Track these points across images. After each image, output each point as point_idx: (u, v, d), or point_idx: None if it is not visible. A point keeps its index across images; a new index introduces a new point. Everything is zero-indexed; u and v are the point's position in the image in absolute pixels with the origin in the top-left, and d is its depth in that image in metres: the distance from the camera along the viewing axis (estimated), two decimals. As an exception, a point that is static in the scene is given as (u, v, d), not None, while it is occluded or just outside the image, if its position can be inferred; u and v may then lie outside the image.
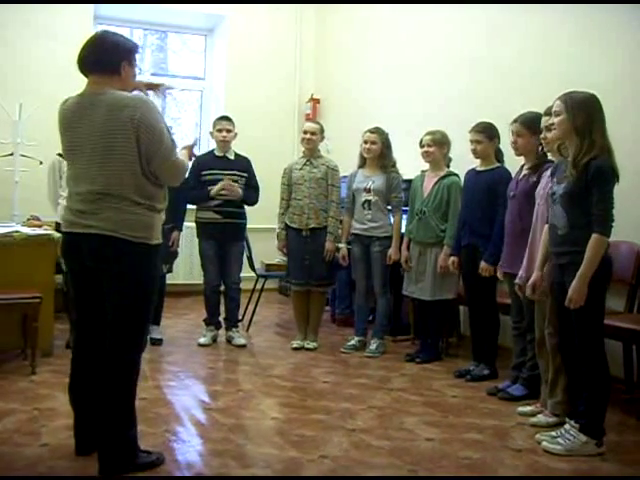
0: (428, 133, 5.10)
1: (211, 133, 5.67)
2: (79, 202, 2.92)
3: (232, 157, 5.57)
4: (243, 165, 5.56)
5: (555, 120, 3.42)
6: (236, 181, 5.46)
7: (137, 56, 3.10)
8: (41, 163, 5.43)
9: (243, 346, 5.43)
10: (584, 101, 3.36)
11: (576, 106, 3.34)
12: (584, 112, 3.32)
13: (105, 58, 2.97)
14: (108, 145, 2.84)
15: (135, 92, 3.05)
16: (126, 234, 2.85)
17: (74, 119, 2.94)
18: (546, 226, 3.61)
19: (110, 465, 2.91)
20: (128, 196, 2.86)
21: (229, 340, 5.54)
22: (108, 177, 2.85)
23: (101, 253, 2.89)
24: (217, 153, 5.58)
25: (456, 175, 5.06)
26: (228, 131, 5.52)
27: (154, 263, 3.03)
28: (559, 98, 3.43)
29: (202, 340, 5.48)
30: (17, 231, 4.90)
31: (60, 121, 3.02)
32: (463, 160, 5.00)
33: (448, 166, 5.20)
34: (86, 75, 3.02)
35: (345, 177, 5.57)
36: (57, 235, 4.94)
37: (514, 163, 4.45)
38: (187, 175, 5.33)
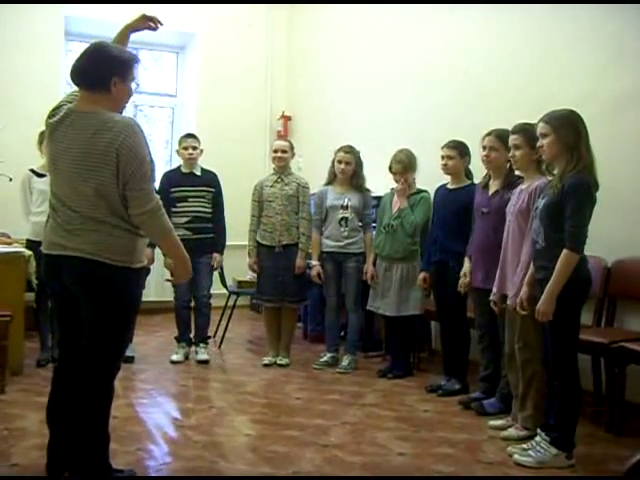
0: (396, 162, 5.04)
1: (177, 151, 5.69)
2: (60, 221, 2.83)
3: (199, 173, 5.59)
4: (210, 180, 5.59)
5: (543, 142, 3.43)
6: (203, 196, 5.49)
7: (134, 70, 2.92)
8: (11, 180, 5.38)
9: (206, 362, 5.41)
10: (569, 118, 3.40)
11: (563, 125, 3.38)
12: (571, 128, 3.36)
13: (93, 72, 2.82)
14: (88, 167, 2.73)
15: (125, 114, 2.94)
16: (107, 258, 2.76)
17: (58, 134, 2.83)
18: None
19: None
20: (105, 219, 2.76)
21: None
22: (86, 199, 2.75)
23: (81, 276, 2.80)
24: (184, 170, 5.60)
25: (426, 192, 5.10)
26: (194, 148, 5.55)
27: (136, 287, 2.94)
28: (542, 120, 3.46)
29: (174, 357, 5.46)
30: (-14, 248, 4.85)
31: (46, 132, 2.92)
32: (432, 177, 5.04)
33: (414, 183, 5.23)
34: (78, 88, 2.88)
35: (313, 194, 5.60)
36: (28, 253, 4.91)
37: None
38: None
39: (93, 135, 2.73)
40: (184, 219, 5.44)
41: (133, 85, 2.95)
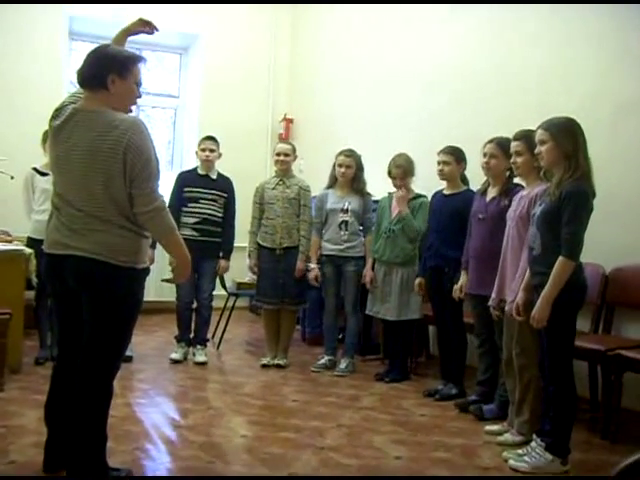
0: (395, 166, 5.07)
1: (196, 152, 5.71)
2: (65, 220, 2.84)
3: (214, 177, 5.60)
4: (224, 185, 5.60)
5: (542, 149, 3.45)
6: (215, 200, 5.50)
7: (136, 69, 2.93)
8: (12, 178, 5.40)
9: (203, 363, 5.42)
10: (567, 126, 3.43)
11: (561, 132, 3.40)
12: (570, 137, 3.39)
13: (90, 72, 2.86)
14: (91, 167, 2.74)
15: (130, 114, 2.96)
16: (111, 258, 2.77)
17: (63, 134, 2.84)
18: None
19: None
20: (111, 219, 2.78)
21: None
22: (91, 199, 2.77)
23: (85, 275, 2.80)
24: (200, 171, 5.62)
25: (424, 197, 5.12)
26: (211, 151, 5.56)
27: (139, 288, 2.95)
28: (541, 127, 3.48)
29: (174, 355, 5.47)
30: (-13, 246, 4.87)
31: (50, 133, 2.94)
32: (430, 182, 5.06)
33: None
34: (82, 88, 2.92)
35: (314, 197, 5.62)
36: (28, 251, 4.92)
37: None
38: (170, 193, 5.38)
39: (100, 133, 2.74)
40: (192, 220, 5.45)
41: (135, 84, 2.95)
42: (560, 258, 3.31)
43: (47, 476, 3.04)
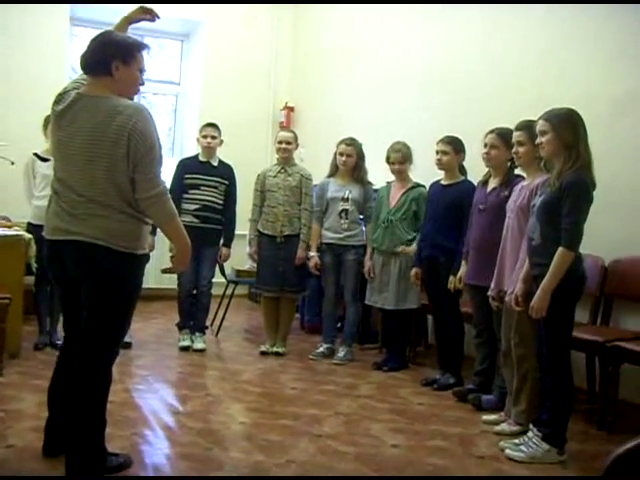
0: (394, 150, 5.12)
1: (197, 139, 5.69)
2: (65, 206, 2.84)
3: (215, 163, 5.59)
4: (225, 172, 5.59)
5: (542, 139, 3.46)
6: (216, 187, 5.49)
7: (140, 56, 2.95)
8: (12, 163, 5.39)
9: (202, 350, 5.43)
10: (568, 116, 3.43)
11: (562, 123, 3.40)
12: (570, 127, 3.39)
13: (94, 58, 2.87)
14: (95, 152, 2.75)
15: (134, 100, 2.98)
16: (112, 243, 2.78)
17: (66, 119, 2.84)
18: None
19: (77, 468, 2.86)
20: (112, 204, 2.78)
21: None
22: (93, 184, 2.77)
23: (85, 261, 2.82)
24: (201, 158, 5.61)
25: (423, 186, 5.12)
26: (213, 137, 5.55)
27: (139, 273, 2.96)
28: (542, 117, 3.49)
29: (182, 343, 5.47)
30: (-14, 231, 4.87)
31: (52, 118, 2.95)
32: (428, 172, 5.06)
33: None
34: (86, 74, 2.94)
35: (315, 186, 5.62)
36: (28, 236, 4.93)
37: (478, 178, 4.52)
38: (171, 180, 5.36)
39: (104, 119, 2.75)
40: (193, 206, 5.45)
41: (139, 70, 2.96)
42: (560, 249, 3.32)
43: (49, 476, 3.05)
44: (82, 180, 2.79)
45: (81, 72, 2.98)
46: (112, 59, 2.84)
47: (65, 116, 2.85)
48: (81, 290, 2.88)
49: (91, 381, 2.88)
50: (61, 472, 2.89)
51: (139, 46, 2.97)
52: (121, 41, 2.93)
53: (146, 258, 3.03)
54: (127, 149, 2.74)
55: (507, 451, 3.50)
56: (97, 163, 2.75)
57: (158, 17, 3.45)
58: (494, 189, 4.25)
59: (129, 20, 3.39)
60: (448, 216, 4.63)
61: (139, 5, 3.42)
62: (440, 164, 4.74)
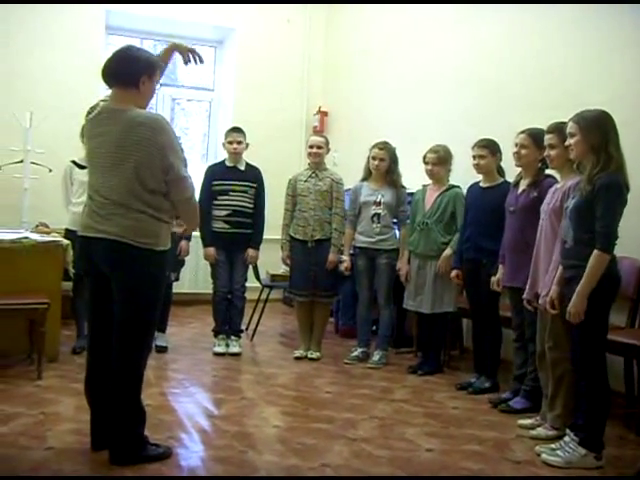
0: (431, 151, 5.12)
1: (223, 144, 5.72)
2: (95, 207, 3.10)
3: (243, 168, 5.61)
4: (253, 175, 5.61)
5: (571, 141, 3.45)
6: (245, 191, 5.52)
7: (159, 71, 3.26)
8: (50, 171, 5.49)
9: (237, 354, 5.45)
10: (597, 119, 3.40)
11: (590, 126, 3.38)
12: (598, 130, 3.37)
13: (124, 71, 3.11)
14: (119, 159, 3.01)
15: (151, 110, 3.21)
16: (131, 239, 3.02)
17: (94, 130, 3.12)
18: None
19: (120, 456, 3.08)
20: (133, 205, 3.03)
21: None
22: (116, 187, 3.03)
23: (108, 257, 3.07)
24: (228, 164, 5.64)
25: (458, 187, 5.11)
26: (239, 143, 5.57)
27: (159, 269, 3.16)
28: (572, 119, 3.47)
29: (217, 349, 5.50)
30: (26, 237, 4.96)
31: (85, 130, 3.25)
32: (466, 175, 5.04)
33: (447, 179, 5.24)
34: (110, 87, 3.18)
35: (348, 190, 5.63)
36: (65, 242, 5.01)
37: (510, 180, 4.49)
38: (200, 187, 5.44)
39: (124, 129, 3.01)
40: (224, 212, 5.48)
41: (156, 85, 3.26)
42: (595, 251, 3.28)
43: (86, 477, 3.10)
44: (106, 185, 3.07)
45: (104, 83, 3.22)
46: (142, 73, 3.11)
47: (93, 127, 3.13)
48: (111, 286, 3.10)
49: (126, 373, 3.10)
50: (99, 473, 2.94)
51: (160, 63, 3.31)
52: (149, 57, 3.22)
53: (180, 263, 3.25)
54: (149, 158, 3.01)
55: (543, 456, 3.46)
56: (119, 170, 3.03)
57: (202, 62, 3.82)
58: (524, 190, 4.23)
59: (174, 50, 3.66)
60: (490, 219, 4.58)
61: (188, 47, 3.72)
62: (478, 168, 4.71)
